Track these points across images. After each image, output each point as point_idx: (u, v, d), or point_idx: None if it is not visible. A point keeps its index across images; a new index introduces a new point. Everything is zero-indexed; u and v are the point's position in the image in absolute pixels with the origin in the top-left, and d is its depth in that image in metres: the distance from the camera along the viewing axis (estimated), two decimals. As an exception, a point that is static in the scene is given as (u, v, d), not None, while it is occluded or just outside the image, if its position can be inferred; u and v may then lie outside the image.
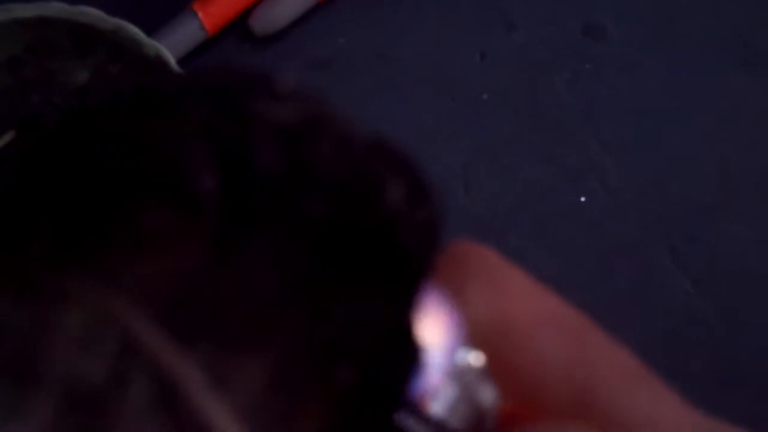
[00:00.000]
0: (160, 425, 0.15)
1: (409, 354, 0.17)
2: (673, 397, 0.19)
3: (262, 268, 0.16)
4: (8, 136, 0.44)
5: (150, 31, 0.44)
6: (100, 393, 0.15)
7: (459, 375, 0.18)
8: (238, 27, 0.48)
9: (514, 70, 0.49)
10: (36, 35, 0.42)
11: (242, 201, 0.16)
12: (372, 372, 0.17)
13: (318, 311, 0.16)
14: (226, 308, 0.16)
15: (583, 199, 0.47)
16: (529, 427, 0.18)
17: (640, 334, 0.45)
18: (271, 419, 0.16)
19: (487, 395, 0.18)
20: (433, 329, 0.18)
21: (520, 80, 0.49)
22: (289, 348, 0.16)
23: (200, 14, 0.47)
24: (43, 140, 0.18)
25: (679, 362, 0.45)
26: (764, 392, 0.45)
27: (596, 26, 0.50)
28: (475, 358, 0.18)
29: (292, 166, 0.17)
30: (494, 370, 0.19)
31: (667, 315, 0.46)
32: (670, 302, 0.46)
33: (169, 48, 0.43)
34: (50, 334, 0.15)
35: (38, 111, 0.44)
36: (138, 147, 0.17)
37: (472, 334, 0.19)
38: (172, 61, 0.41)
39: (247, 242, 0.16)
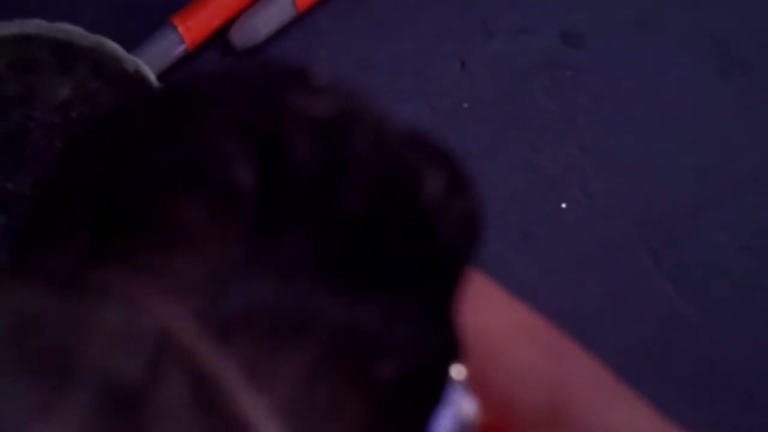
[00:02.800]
0: (196, 423, 0.15)
1: (448, 349, 0.17)
2: (650, 411, 0.19)
3: (299, 263, 0.16)
4: (-9, 152, 0.44)
5: (130, 46, 0.45)
6: (136, 390, 0.15)
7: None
8: (218, 41, 0.49)
9: (495, 79, 0.49)
10: (17, 52, 0.42)
11: (279, 195, 0.16)
12: (410, 368, 0.17)
13: (355, 306, 0.16)
14: (262, 303, 0.16)
15: (564, 205, 0.47)
16: None
17: (623, 338, 0.45)
18: (309, 417, 0.16)
19: (469, 408, 0.18)
20: None
21: (500, 88, 0.49)
22: (326, 344, 0.16)
23: (180, 28, 0.47)
24: (81, 137, 0.18)
25: (662, 366, 0.45)
26: (747, 395, 0.45)
27: (575, 34, 0.50)
28: (456, 372, 0.18)
29: (329, 160, 0.17)
30: (470, 382, 0.18)
31: (649, 319, 0.46)
32: (653, 306, 0.46)
33: (149, 62, 0.43)
34: (88, 330, 0.15)
35: (21, 127, 0.44)
36: (175, 142, 0.17)
37: None
38: (151, 76, 0.41)
39: (284, 237, 0.16)
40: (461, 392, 0.18)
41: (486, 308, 0.19)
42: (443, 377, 0.17)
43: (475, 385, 0.19)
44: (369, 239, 0.17)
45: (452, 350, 0.17)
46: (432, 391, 0.17)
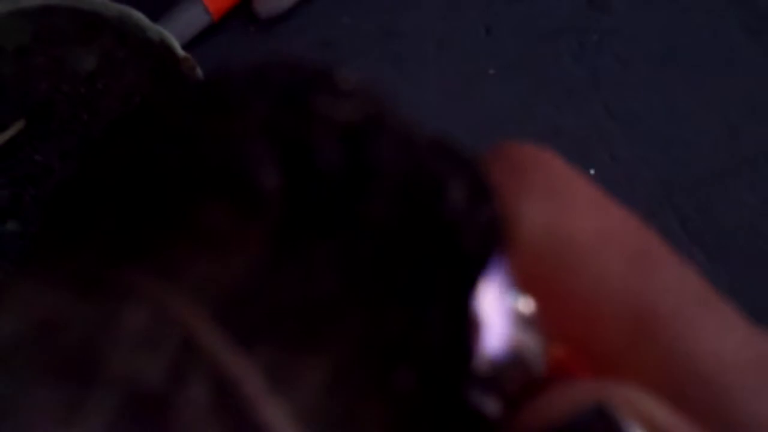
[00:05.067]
0: (218, 427, 0.15)
1: (467, 357, 0.17)
2: (742, 326, 0.18)
3: (323, 268, 0.16)
4: (19, 124, 0.45)
5: (155, 17, 0.45)
6: (158, 393, 0.15)
7: (507, 323, 0.17)
8: (243, 10, 0.48)
9: (520, 44, 0.49)
10: (42, 24, 0.42)
11: (303, 199, 0.16)
12: (431, 376, 0.17)
13: (378, 313, 0.16)
14: (285, 308, 0.16)
15: (592, 171, 0.47)
16: (578, 385, 0.17)
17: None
18: (330, 422, 0.16)
19: (536, 345, 0.18)
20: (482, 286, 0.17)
21: (525, 53, 0.49)
22: (348, 350, 0.16)
23: (204, -2, 0.47)
24: (105, 136, 0.18)
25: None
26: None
27: (601, -3, 0.50)
28: (524, 304, 0.18)
29: (354, 165, 0.17)
30: (548, 294, 0.18)
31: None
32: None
33: (174, 33, 0.43)
34: (111, 333, 0.15)
35: (48, 98, 0.45)
36: (200, 144, 0.17)
37: (526, 254, 0.18)
38: (177, 45, 0.41)
39: (307, 241, 0.16)
40: (529, 329, 0.18)
41: (576, 210, 0.18)
42: (462, 385, 0.17)
43: (554, 297, 0.18)
44: (392, 246, 0.17)
45: (470, 358, 0.17)
46: (452, 398, 0.17)
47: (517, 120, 0.48)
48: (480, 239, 0.17)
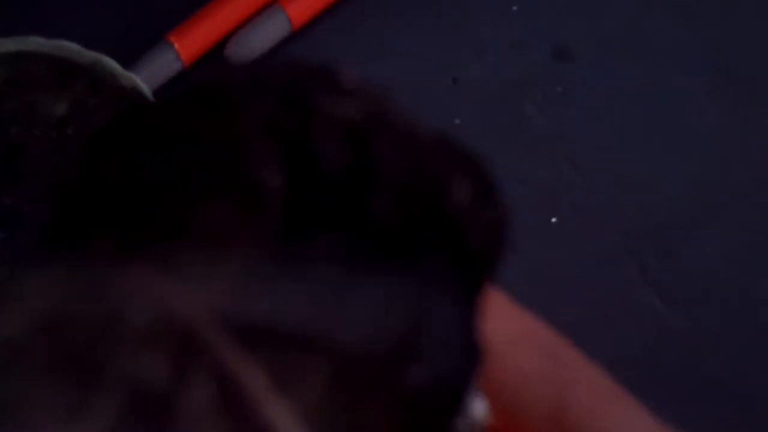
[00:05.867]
0: (221, 427, 0.15)
1: (472, 356, 0.17)
2: (647, 416, 0.19)
3: (327, 267, 0.16)
4: (-10, 168, 0.45)
5: (127, 63, 0.45)
6: (162, 393, 0.15)
7: None
8: (215, 57, 0.49)
9: (486, 94, 0.50)
10: (15, 69, 0.43)
11: (307, 198, 0.16)
12: (436, 374, 0.16)
13: (382, 311, 0.16)
14: (290, 309, 0.16)
15: (554, 219, 0.48)
16: None
17: (611, 351, 0.46)
18: (335, 422, 0.15)
19: (480, 411, 0.18)
20: None
21: (492, 104, 0.50)
22: (353, 351, 0.16)
23: (176, 45, 0.47)
24: (109, 134, 0.18)
25: (651, 379, 0.46)
26: (736, 406, 0.45)
27: (565, 49, 0.51)
28: None
29: (357, 164, 0.17)
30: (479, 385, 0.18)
31: (638, 332, 0.46)
32: (641, 320, 0.47)
33: (146, 79, 0.44)
34: (115, 332, 0.15)
35: (18, 142, 0.45)
36: (204, 143, 0.17)
37: None
38: (148, 92, 0.42)
39: (311, 240, 0.16)
40: (472, 394, 0.18)
41: (491, 314, 0.19)
42: (468, 384, 0.17)
43: (483, 387, 0.18)
44: (396, 244, 0.17)
45: (477, 356, 0.17)
46: (457, 397, 0.17)
47: (483, 168, 0.49)
48: (484, 236, 0.18)
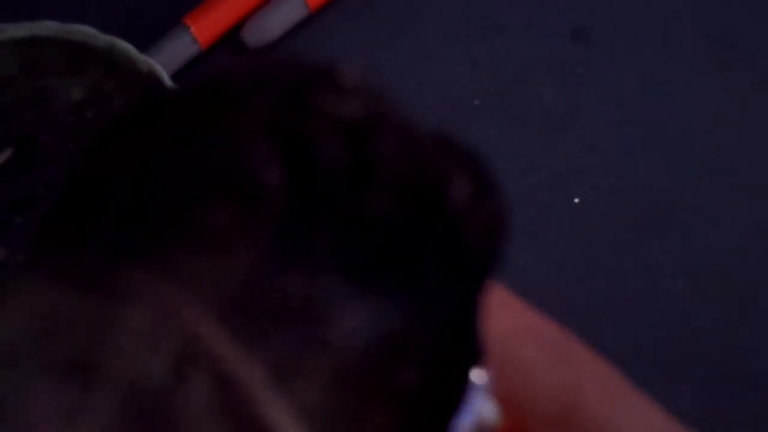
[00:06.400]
0: (221, 426, 0.15)
1: (472, 355, 0.17)
2: (659, 413, 0.19)
3: (327, 266, 0.16)
4: (6, 153, 0.44)
5: (143, 47, 0.45)
6: (161, 392, 0.15)
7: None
8: (231, 39, 0.49)
9: (505, 75, 0.49)
10: (29, 54, 0.42)
11: (307, 196, 0.16)
12: (435, 373, 0.17)
13: (382, 310, 0.16)
14: (288, 306, 0.16)
15: (576, 200, 0.48)
16: None
17: (633, 335, 0.46)
18: (334, 421, 0.16)
19: (490, 413, 0.18)
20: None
21: (510, 85, 0.49)
22: (352, 348, 0.16)
23: (192, 28, 0.47)
24: (108, 132, 0.18)
25: (670, 361, 0.45)
26: (757, 392, 0.45)
27: (584, 30, 0.50)
28: (477, 376, 0.18)
29: (357, 162, 0.17)
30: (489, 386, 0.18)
31: (660, 315, 0.46)
32: (664, 302, 0.46)
33: (162, 62, 0.43)
34: (113, 330, 0.15)
35: (33, 128, 0.45)
36: (203, 142, 0.17)
37: None
38: (165, 76, 0.41)
39: (310, 238, 0.16)
40: (482, 396, 0.18)
41: (497, 312, 0.19)
42: (467, 381, 0.17)
43: (491, 387, 0.18)
44: (397, 242, 0.17)
45: (477, 354, 0.17)
46: (456, 395, 0.17)
47: (500, 150, 0.48)
48: (483, 234, 0.17)
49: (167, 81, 0.41)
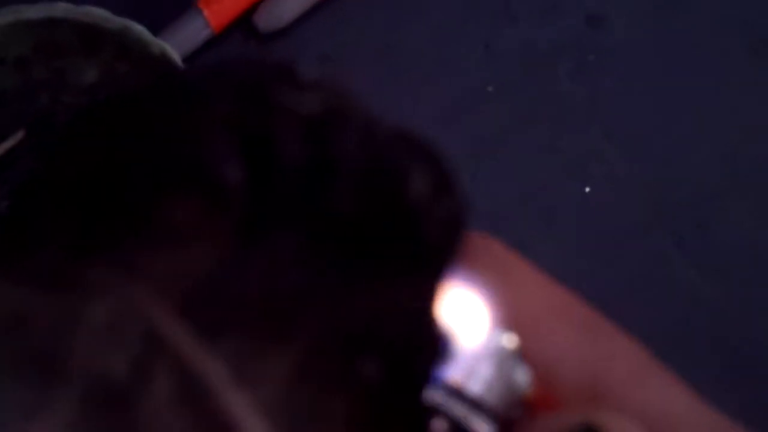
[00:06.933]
0: (183, 421, 0.15)
1: (433, 345, 0.17)
2: (685, 390, 0.19)
3: (287, 260, 0.16)
4: (19, 135, 0.45)
5: (156, 30, 0.45)
6: (123, 388, 0.15)
7: (494, 355, 0.18)
8: (244, 24, 0.49)
9: (519, 61, 0.49)
10: (43, 35, 0.43)
11: (267, 192, 0.16)
12: (396, 365, 0.17)
13: (342, 304, 0.16)
14: (250, 301, 0.16)
15: (587, 189, 0.47)
16: (567, 409, 0.18)
17: (646, 323, 0.45)
18: (296, 413, 0.16)
19: (522, 376, 0.18)
20: (468, 311, 0.18)
21: (524, 71, 0.49)
22: (313, 341, 0.16)
23: (205, 12, 0.47)
24: (67, 132, 0.18)
25: (686, 350, 0.45)
26: (767, 378, 0.45)
27: (599, 17, 0.50)
28: (508, 340, 0.18)
29: (317, 157, 0.17)
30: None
31: (672, 303, 0.46)
32: (676, 290, 0.46)
33: (175, 46, 0.43)
34: (74, 327, 0.15)
35: (48, 110, 0.45)
36: (164, 139, 0.17)
37: None
38: (177, 59, 0.41)
39: (271, 234, 0.16)
40: (513, 360, 0.18)
41: (524, 288, 0.19)
42: (428, 373, 0.17)
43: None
44: (356, 238, 0.17)
45: (436, 346, 0.17)
46: (417, 387, 0.17)
47: (514, 137, 0.48)
48: (442, 229, 0.18)
49: (179, 64, 0.42)
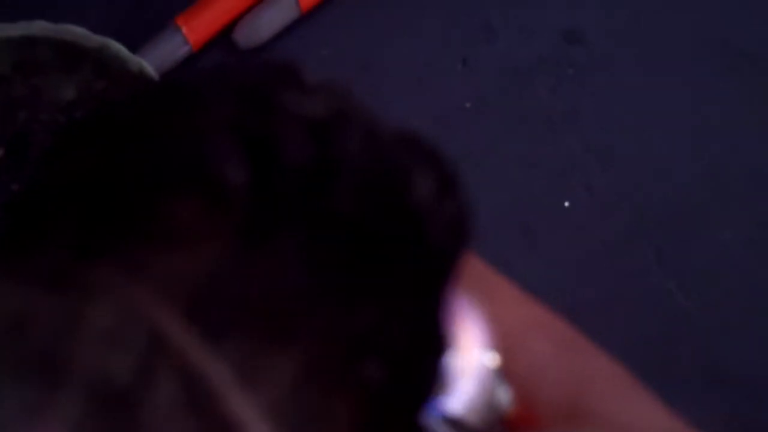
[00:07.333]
0: (187, 423, 0.15)
1: (436, 349, 0.17)
2: (661, 406, 0.20)
3: (290, 262, 0.16)
4: (-2, 153, 0.45)
5: (135, 47, 0.45)
6: (127, 390, 0.15)
7: (476, 375, 0.18)
8: (223, 40, 0.49)
9: (496, 77, 0.50)
10: (22, 54, 0.42)
11: (270, 194, 0.16)
12: (400, 368, 0.17)
13: (346, 306, 0.16)
14: (254, 303, 0.16)
15: (567, 203, 0.48)
16: (547, 428, 0.18)
17: (625, 336, 0.46)
18: (300, 416, 0.16)
19: (503, 395, 0.18)
20: (452, 329, 0.18)
21: (502, 87, 0.49)
22: (317, 344, 0.16)
23: (184, 29, 0.47)
24: (71, 134, 0.18)
25: (664, 363, 0.45)
26: (750, 392, 0.45)
27: (577, 32, 0.50)
28: (490, 359, 0.18)
29: (320, 159, 0.17)
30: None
31: (651, 316, 0.46)
32: (655, 303, 0.46)
33: (153, 63, 0.43)
34: (78, 330, 0.15)
35: (26, 127, 0.45)
36: (167, 140, 0.17)
37: None
38: (156, 76, 0.41)
39: (275, 236, 0.16)
40: (495, 379, 0.18)
41: (502, 304, 0.19)
42: (432, 376, 0.17)
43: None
44: (359, 239, 0.17)
45: (440, 350, 0.17)
46: (421, 390, 0.17)
47: (493, 152, 0.48)
48: (446, 231, 0.18)
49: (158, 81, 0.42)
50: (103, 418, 0.14)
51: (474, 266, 0.20)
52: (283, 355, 0.16)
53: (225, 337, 0.15)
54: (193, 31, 0.47)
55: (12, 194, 0.44)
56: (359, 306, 0.16)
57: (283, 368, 0.16)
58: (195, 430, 0.15)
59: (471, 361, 0.18)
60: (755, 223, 0.48)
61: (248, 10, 0.48)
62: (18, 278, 0.16)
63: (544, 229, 0.47)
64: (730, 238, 0.47)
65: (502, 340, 0.19)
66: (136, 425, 0.15)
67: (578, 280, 0.47)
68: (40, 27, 0.42)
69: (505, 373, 0.19)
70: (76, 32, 0.42)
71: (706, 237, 0.47)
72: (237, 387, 0.15)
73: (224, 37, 0.49)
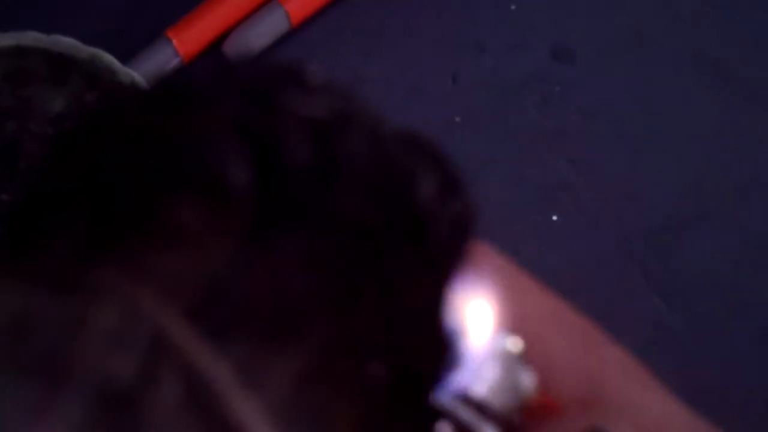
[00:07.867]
0: (190, 424, 0.15)
1: (441, 349, 0.17)
2: (675, 397, 0.20)
3: (294, 263, 0.16)
4: (-14, 164, 0.44)
5: (126, 59, 0.45)
6: (130, 392, 0.15)
7: (499, 359, 0.18)
8: (213, 53, 0.49)
9: (486, 93, 0.50)
10: (12, 64, 0.42)
11: (274, 195, 0.16)
12: (404, 367, 0.17)
13: (350, 307, 0.16)
14: (257, 304, 0.16)
15: (555, 218, 0.48)
16: (572, 413, 0.18)
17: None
18: (303, 418, 0.16)
19: (526, 380, 0.18)
20: (474, 313, 0.18)
21: (491, 103, 0.50)
22: (320, 345, 0.16)
23: (174, 41, 0.47)
24: (74, 135, 0.18)
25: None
26: (734, 408, 0.45)
27: (565, 49, 0.51)
28: (513, 344, 0.18)
29: (325, 161, 0.17)
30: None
31: (637, 331, 0.46)
32: (640, 317, 0.47)
33: (144, 75, 0.43)
34: (82, 331, 0.15)
35: (14, 138, 0.45)
36: (171, 141, 0.17)
37: None
38: (146, 88, 0.41)
39: (279, 237, 0.16)
40: (518, 364, 0.18)
41: (522, 293, 0.20)
42: (435, 377, 0.17)
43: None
44: (363, 240, 0.17)
45: (444, 349, 0.17)
46: (424, 391, 0.17)
47: (482, 168, 0.48)
48: (450, 231, 0.18)
49: (149, 93, 0.42)
50: (106, 419, 0.14)
51: (491, 257, 0.20)
52: (287, 356, 0.16)
53: (228, 338, 0.15)
54: (184, 43, 0.47)
55: (2, 204, 0.44)
56: (364, 307, 0.16)
57: (287, 369, 0.16)
58: (197, 431, 0.15)
59: (494, 346, 0.18)
60: (740, 239, 0.48)
61: (239, 23, 0.49)
62: (21, 279, 0.16)
63: (531, 244, 0.47)
64: (715, 255, 0.48)
65: (520, 329, 0.19)
66: (138, 426, 0.15)
67: (564, 293, 0.47)
68: (30, 37, 0.42)
69: (526, 360, 0.19)
70: (67, 43, 0.42)
71: (691, 253, 0.48)
72: (240, 388, 0.15)
73: (215, 49, 0.49)
